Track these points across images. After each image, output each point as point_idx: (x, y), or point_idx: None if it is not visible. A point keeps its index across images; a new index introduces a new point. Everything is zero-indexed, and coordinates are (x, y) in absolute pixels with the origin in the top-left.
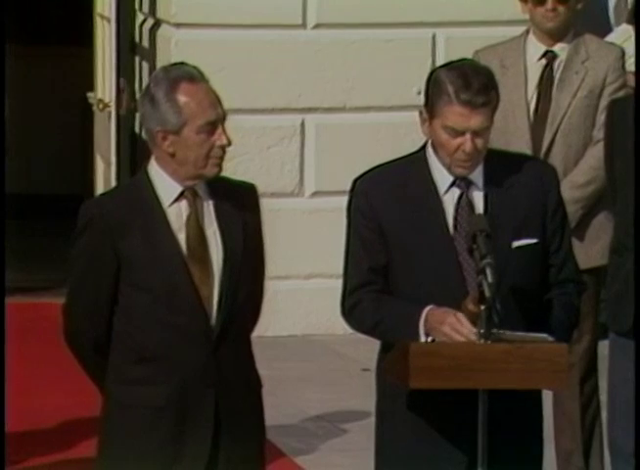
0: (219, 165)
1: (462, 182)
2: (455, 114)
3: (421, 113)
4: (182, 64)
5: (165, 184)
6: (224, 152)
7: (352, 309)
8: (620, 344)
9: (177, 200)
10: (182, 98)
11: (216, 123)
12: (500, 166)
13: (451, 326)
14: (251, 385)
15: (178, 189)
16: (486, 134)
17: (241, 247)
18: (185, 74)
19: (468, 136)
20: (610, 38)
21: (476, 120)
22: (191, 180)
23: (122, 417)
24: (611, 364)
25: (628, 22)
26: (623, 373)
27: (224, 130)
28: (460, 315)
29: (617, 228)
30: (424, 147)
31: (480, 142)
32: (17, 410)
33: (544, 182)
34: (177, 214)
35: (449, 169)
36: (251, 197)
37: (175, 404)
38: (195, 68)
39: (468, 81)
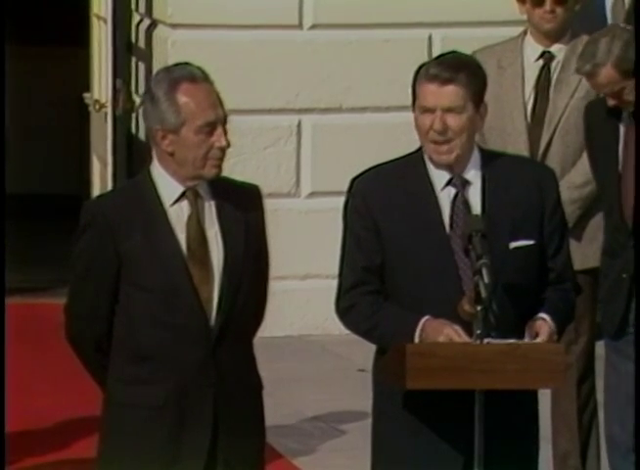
0: (218, 167)
1: (458, 181)
2: (426, 92)
3: (414, 110)
4: (186, 64)
5: (167, 184)
6: (223, 153)
7: (347, 311)
8: (613, 344)
9: (178, 200)
10: (182, 98)
11: (216, 124)
12: (498, 167)
13: (448, 338)
14: (250, 386)
15: (180, 189)
16: (462, 115)
17: (242, 248)
18: (187, 74)
19: (438, 113)
20: None
21: (444, 97)
22: (191, 181)
23: (122, 416)
24: (607, 362)
25: (626, 22)
26: (619, 371)
27: (224, 132)
28: (457, 328)
29: (606, 232)
30: (421, 147)
31: (452, 121)
32: (15, 410)
33: (542, 184)
34: (178, 215)
35: (431, 160)
36: (255, 198)
37: (174, 404)
38: (199, 68)
39: (440, 60)
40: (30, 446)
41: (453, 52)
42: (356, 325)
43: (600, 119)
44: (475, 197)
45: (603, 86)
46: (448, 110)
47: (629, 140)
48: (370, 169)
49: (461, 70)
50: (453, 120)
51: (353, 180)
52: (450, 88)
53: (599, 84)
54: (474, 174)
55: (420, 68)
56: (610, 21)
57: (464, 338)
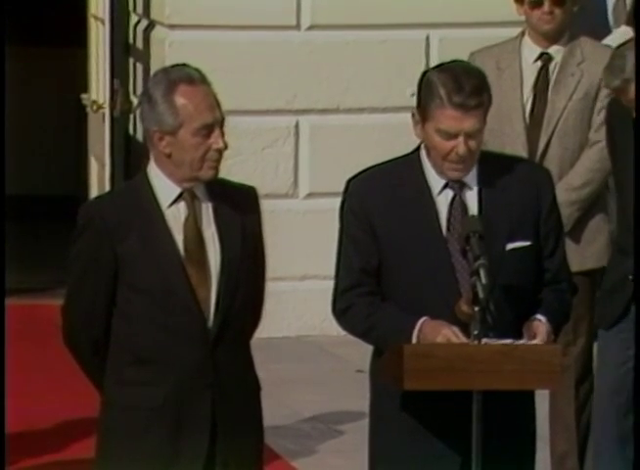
0: (216, 168)
1: (455, 184)
2: (448, 117)
3: (413, 115)
4: (184, 65)
5: (164, 185)
6: (220, 155)
7: (344, 312)
8: (605, 334)
9: (176, 201)
10: (179, 100)
11: (213, 126)
12: (494, 168)
13: (445, 338)
14: (249, 387)
15: (177, 191)
16: (479, 136)
17: (239, 249)
18: (184, 76)
19: (461, 139)
20: (608, 40)
21: (469, 123)
22: (188, 182)
23: (120, 418)
24: (598, 352)
25: (627, 23)
26: (606, 358)
27: (222, 134)
28: (455, 329)
29: (620, 228)
30: (418, 148)
31: (473, 144)
32: (13, 411)
33: (538, 184)
34: (175, 216)
35: (442, 173)
36: (251, 200)
37: (172, 405)
38: (197, 70)
39: (460, 84)
40: (29, 447)
41: (456, 60)
42: (353, 326)
43: (622, 120)
44: (471, 198)
45: (633, 101)
46: (471, 134)
47: None
48: (366, 170)
49: (483, 92)
50: (475, 143)
51: (349, 181)
52: (475, 114)
53: (629, 99)
54: (470, 176)
55: (424, 75)
56: (611, 22)
57: (461, 339)
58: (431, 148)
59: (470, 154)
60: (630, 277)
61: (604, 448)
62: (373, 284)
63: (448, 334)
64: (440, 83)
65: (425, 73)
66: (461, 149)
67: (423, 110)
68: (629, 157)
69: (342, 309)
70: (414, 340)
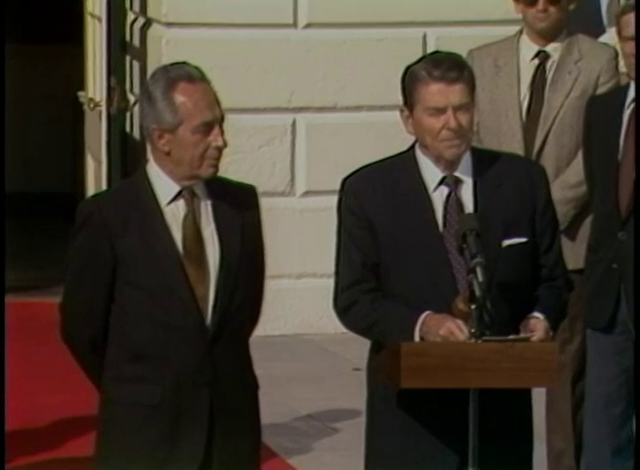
0: (215, 166)
1: (451, 180)
2: (433, 92)
3: (402, 111)
4: (184, 63)
5: (163, 183)
6: (220, 153)
7: (347, 309)
8: (596, 340)
9: (175, 199)
10: (179, 97)
11: (213, 124)
12: (489, 165)
13: (448, 330)
14: (246, 385)
15: (176, 188)
16: (469, 112)
17: (238, 247)
18: (184, 74)
19: (450, 113)
20: (603, 39)
21: (454, 95)
22: (187, 180)
23: (118, 415)
24: (588, 362)
25: None
26: (597, 371)
27: (221, 132)
28: (459, 322)
29: (594, 224)
30: (412, 146)
31: (463, 118)
32: (11, 409)
33: (533, 181)
34: (174, 214)
35: (440, 157)
36: (251, 198)
37: (169, 403)
38: (196, 68)
39: (438, 61)
40: (27, 445)
41: (437, 52)
42: (356, 323)
43: (602, 110)
44: (467, 196)
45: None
46: (459, 107)
47: (631, 130)
48: (361, 169)
49: (463, 67)
50: (464, 118)
51: (345, 180)
52: (458, 86)
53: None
54: (466, 173)
55: (406, 71)
56: (605, 21)
57: (465, 332)
58: (424, 132)
59: (461, 129)
60: (614, 265)
61: (598, 463)
62: (374, 280)
63: (452, 327)
64: (421, 67)
65: (405, 72)
66: (452, 122)
67: (409, 99)
68: (610, 147)
69: (345, 306)
70: (416, 334)
